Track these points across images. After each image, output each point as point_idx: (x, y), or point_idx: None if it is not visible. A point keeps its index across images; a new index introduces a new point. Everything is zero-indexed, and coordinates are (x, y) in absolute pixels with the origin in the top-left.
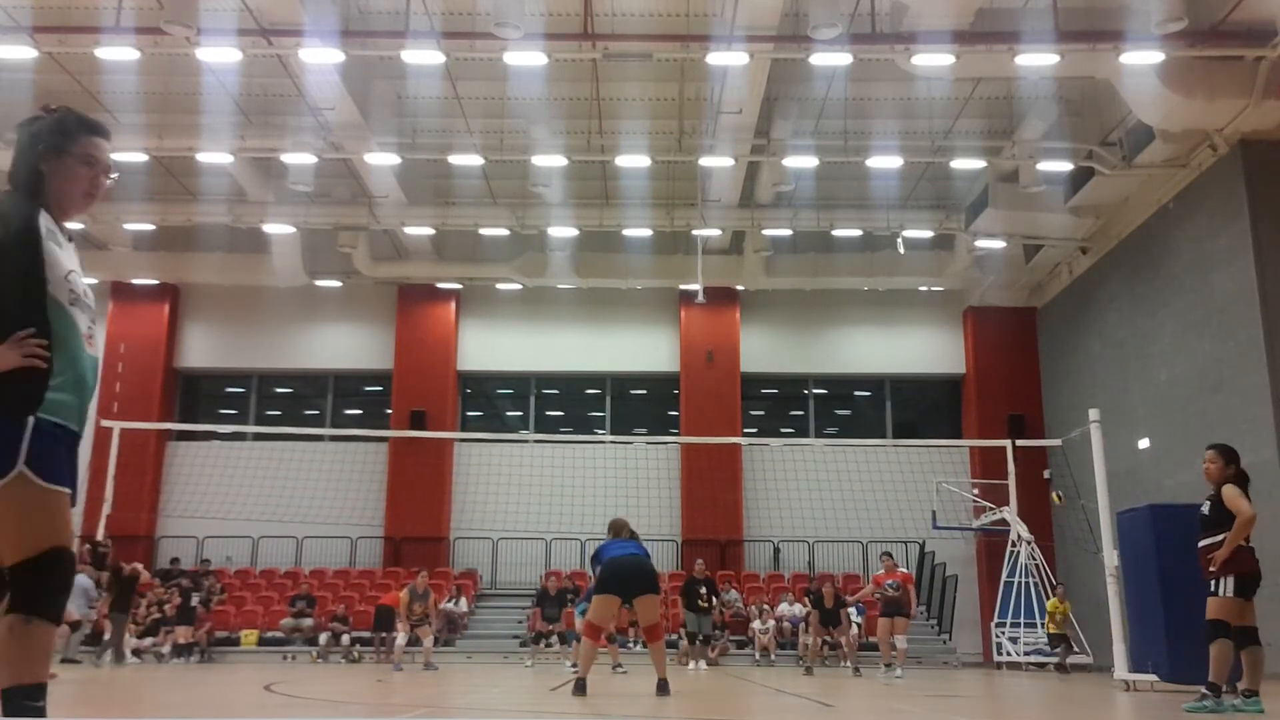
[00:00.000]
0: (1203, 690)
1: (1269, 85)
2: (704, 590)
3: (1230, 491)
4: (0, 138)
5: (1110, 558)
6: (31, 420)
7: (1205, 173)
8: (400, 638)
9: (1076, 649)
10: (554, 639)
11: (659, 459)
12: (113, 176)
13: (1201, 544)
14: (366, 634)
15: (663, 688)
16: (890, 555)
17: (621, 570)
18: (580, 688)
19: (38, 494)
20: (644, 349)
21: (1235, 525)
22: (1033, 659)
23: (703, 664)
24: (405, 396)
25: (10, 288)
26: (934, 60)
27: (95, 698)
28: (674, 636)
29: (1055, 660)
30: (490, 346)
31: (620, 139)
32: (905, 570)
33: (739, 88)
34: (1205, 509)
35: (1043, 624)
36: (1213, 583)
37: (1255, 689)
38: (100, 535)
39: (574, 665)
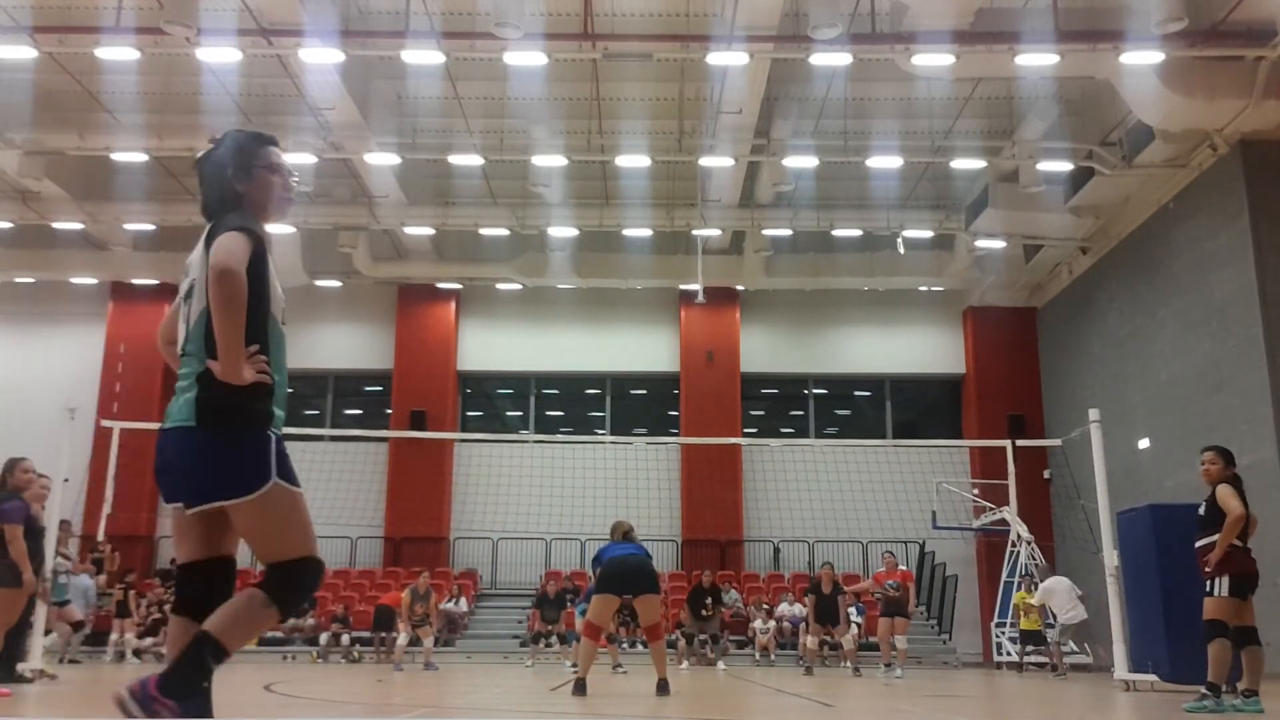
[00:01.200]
0: (1202, 690)
1: (1269, 85)
2: (709, 601)
3: (1224, 491)
4: (0, 137)
5: (1110, 558)
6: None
7: (1205, 173)
8: (401, 638)
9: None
10: (553, 639)
11: (659, 459)
12: (294, 177)
13: (1198, 544)
14: (366, 634)
15: (663, 688)
16: (892, 554)
17: (622, 569)
18: (580, 688)
19: (289, 500)
20: (644, 349)
21: (1225, 524)
22: (1032, 659)
23: (685, 665)
24: (405, 396)
25: (252, 305)
26: (934, 60)
27: (96, 698)
28: (673, 636)
29: (1021, 659)
30: (490, 346)
31: (620, 139)
32: (905, 569)
33: (739, 88)
34: (1202, 510)
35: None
36: (1208, 583)
37: (1255, 689)
38: (101, 535)
39: (574, 665)
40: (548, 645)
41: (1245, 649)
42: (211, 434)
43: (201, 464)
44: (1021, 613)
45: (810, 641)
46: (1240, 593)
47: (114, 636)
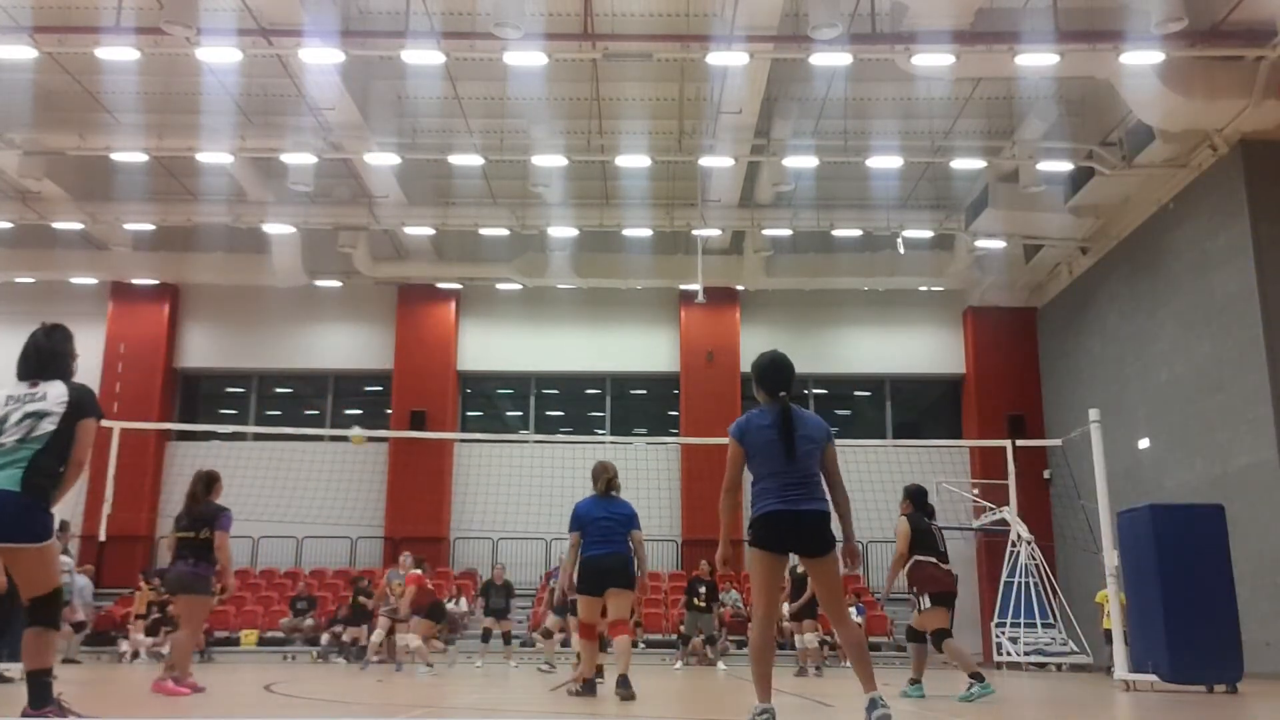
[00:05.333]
0: (970, 681)
1: (1269, 85)
2: (703, 590)
3: (900, 525)
4: (0, 137)
5: (1110, 558)
6: None
7: (1205, 173)
8: (376, 634)
9: (1076, 649)
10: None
11: (659, 459)
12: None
13: (920, 559)
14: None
15: (623, 684)
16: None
17: (598, 569)
18: (590, 688)
19: None
20: (644, 349)
21: (893, 559)
22: (1033, 659)
23: (679, 664)
24: (405, 396)
25: None
26: (934, 60)
27: (96, 698)
28: (672, 636)
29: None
30: (490, 346)
31: (620, 139)
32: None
33: (739, 88)
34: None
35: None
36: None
37: (918, 677)
38: (101, 536)
39: (548, 664)
40: (564, 645)
41: (918, 644)
42: None
43: None
44: (1105, 612)
45: (809, 639)
46: (941, 603)
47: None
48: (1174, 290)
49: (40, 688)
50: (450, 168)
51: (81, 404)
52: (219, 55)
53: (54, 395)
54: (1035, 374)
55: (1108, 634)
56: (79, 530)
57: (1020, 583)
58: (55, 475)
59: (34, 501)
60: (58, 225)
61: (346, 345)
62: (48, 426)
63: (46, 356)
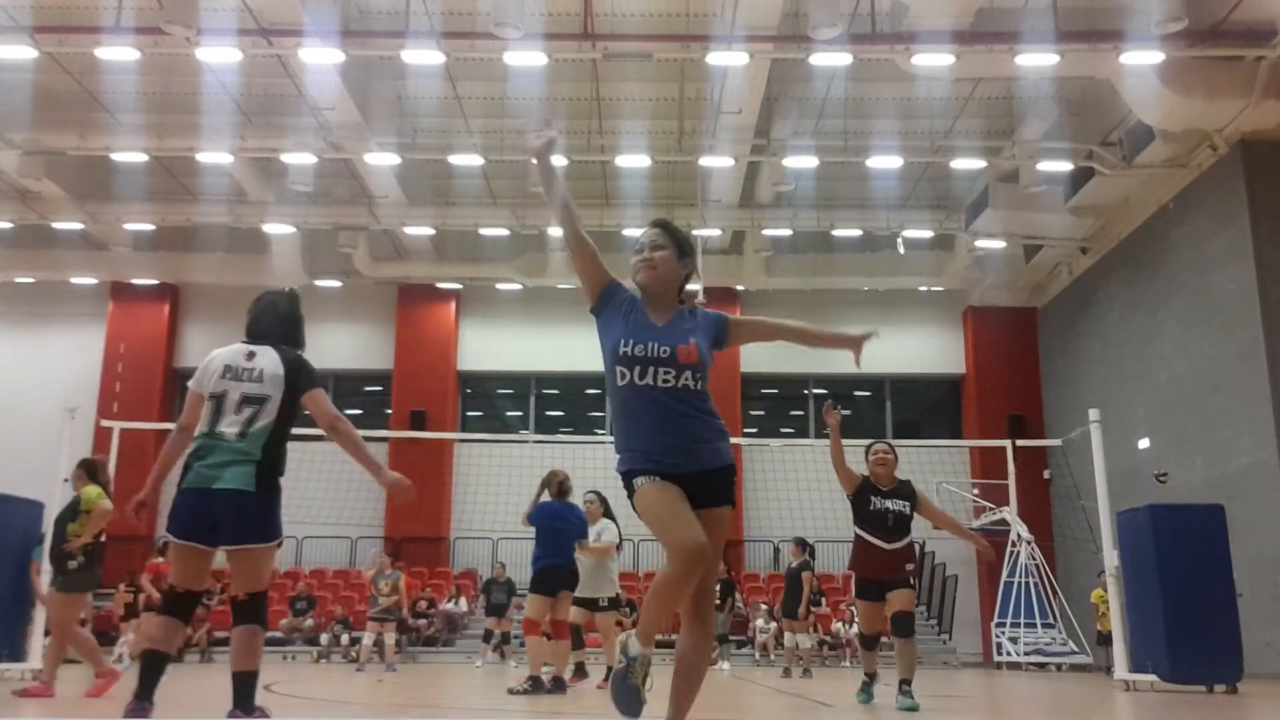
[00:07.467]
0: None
1: (1269, 85)
2: (718, 589)
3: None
4: (0, 137)
5: (1110, 558)
6: None
7: (1205, 173)
8: (366, 638)
9: (1076, 649)
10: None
11: None
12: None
13: (891, 547)
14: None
15: (558, 685)
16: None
17: (550, 572)
18: (537, 685)
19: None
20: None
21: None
22: (1033, 659)
23: (725, 665)
24: (405, 396)
25: None
26: (934, 60)
27: (95, 698)
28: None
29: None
30: (490, 346)
31: (620, 139)
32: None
33: (739, 88)
34: (890, 520)
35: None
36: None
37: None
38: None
39: (517, 666)
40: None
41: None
42: None
43: None
44: (1100, 612)
45: (804, 640)
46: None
47: (123, 638)
48: (1174, 290)
49: (247, 690)
50: (450, 168)
51: (297, 380)
52: (219, 55)
53: (269, 372)
54: (1035, 374)
55: (1100, 635)
56: None
57: (1020, 583)
58: (283, 462)
59: (269, 501)
60: (58, 225)
61: (346, 345)
62: (269, 414)
63: (278, 320)
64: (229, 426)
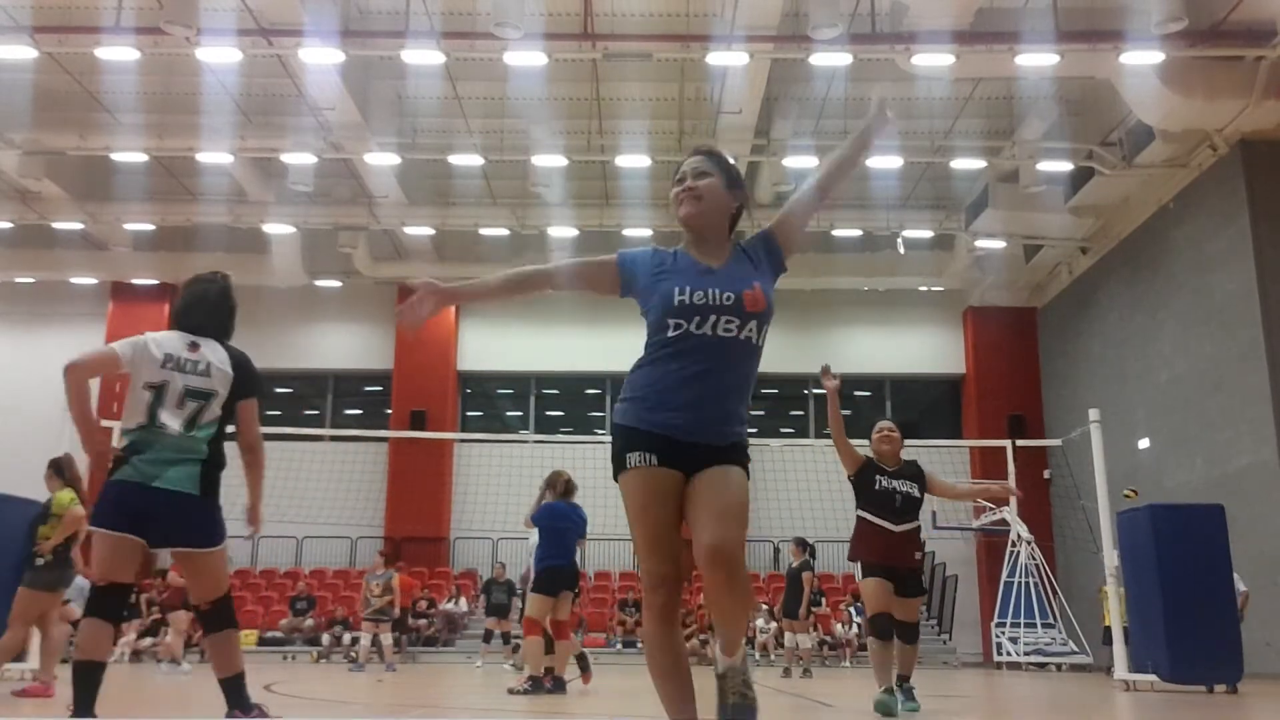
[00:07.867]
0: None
1: (1269, 85)
2: None
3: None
4: (0, 137)
5: (1110, 558)
6: None
7: (1205, 173)
8: (364, 639)
9: (1076, 649)
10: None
11: None
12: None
13: (900, 529)
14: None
15: (558, 685)
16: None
17: (554, 572)
18: (537, 685)
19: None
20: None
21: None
22: (1033, 659)
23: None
24: (405, 396)
25: None
26: (934, 60)
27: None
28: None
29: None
30: (490, 346)
31: (620, 139)
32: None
33: (739, 88)
34: (898, 500)
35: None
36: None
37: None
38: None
39: (512, 665)
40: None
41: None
42: None
43: None
44: (1106, 608)
45: (804, 640)
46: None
47: (122, 639)
48: (1174, 290)
49: (238, 690)
50: (450, 168)
51: (245, 382)
52: (219, 55)
53: (216, 367)
54: (1035, 374)
55: (1106, 631)
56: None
57: (1020, 583)
58: (223, 464)
59: (211, 503)
60: (58, 225)
61: (346, 345)
62: (214, 411)
63: (210, 310)
64: (171, 420)
